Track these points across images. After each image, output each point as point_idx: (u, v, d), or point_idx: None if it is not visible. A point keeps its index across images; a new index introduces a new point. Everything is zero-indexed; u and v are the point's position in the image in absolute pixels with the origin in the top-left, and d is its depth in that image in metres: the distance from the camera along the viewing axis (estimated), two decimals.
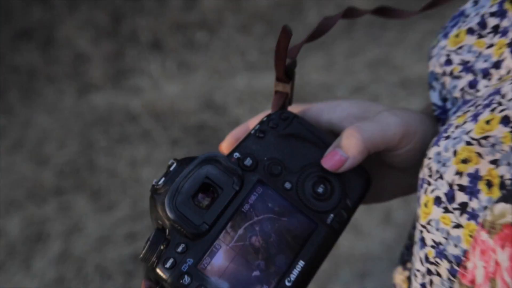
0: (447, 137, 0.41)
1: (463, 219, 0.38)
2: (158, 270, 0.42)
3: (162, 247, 0.42)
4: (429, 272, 0.41)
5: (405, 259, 0.53)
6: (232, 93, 1.93)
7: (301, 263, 0.43)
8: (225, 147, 0.50)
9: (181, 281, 0.41)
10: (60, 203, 1.68)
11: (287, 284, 0.43)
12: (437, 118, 0.49)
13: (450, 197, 0.39)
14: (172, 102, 1.91)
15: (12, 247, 1.59)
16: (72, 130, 1.85)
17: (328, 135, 0.48)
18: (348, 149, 0.45)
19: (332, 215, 0.45)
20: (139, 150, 1.71)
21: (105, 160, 1.79)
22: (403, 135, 0.46)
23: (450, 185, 0.39)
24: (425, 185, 0.42)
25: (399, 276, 0.53)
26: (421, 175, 0.43)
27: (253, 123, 0.49)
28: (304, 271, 0.43)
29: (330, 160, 0.45)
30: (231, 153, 0.46)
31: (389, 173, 0.50)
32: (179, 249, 0.42)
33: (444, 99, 0.48)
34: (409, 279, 0.51)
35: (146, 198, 1.50)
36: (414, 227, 0.49)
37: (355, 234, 1.58)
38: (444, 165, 0.40)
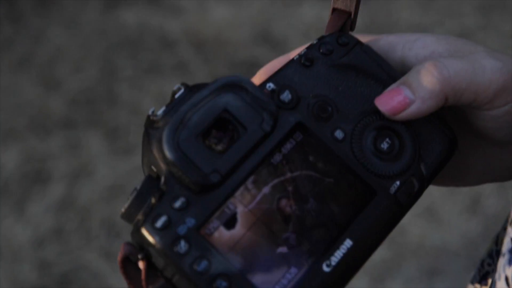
0: None
1: None
2: (144, 231, 0.40)
3: (153, 201, 0.40)
4: None
5: (485, 270, 0.51)
6: (296, 25, 1.92)
7: (347, 243, 0.42)
8: (256, 82, 0.48)
9: (174, 248, 0.40)
10: (68, 139, 1.69)
11: (325, 269, 0.41)
12: None
13: None
14: (219, 30, 1.88)
15: (5, 185, 1.62)
16: (92, 51, 1.84)
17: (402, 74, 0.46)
18: (417, 88, 0.43)
19: (398, 182, 0.43)
20: (171, 85, 1.68)
21: (128, 93, 1.78)
22: (503, 88, 0.43)
23: None
24: None
25: None
26: None
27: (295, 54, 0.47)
28: (351, 254, 0.41)
29: (388, 101, 0.44)
30: (263, 83, 0.44)
31: (477, 145, 0.48)
32: (177, 205, 0.40)
33: None
34: None
35: None
36: (504, 228, 0.48)
37: (429, 220, 1.58)
38: None
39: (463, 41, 0.46)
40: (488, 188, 1.56)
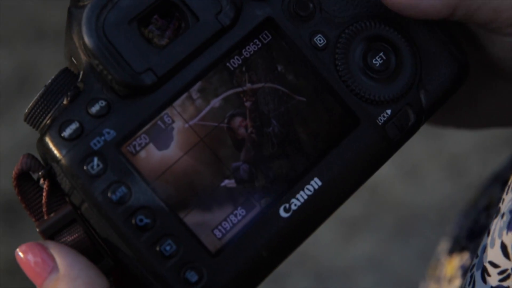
0: None
1: None
2: (47, 140, 0.32)
3: (65, 102, 0.33)
4: None
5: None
6: None
7: (315, 183, 0.34)
8: None
9: (84, 167, 0.32)
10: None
11: (283, 214, 0.33)
12: None
13: None
14: None
15: None
16: None
17: None
18: None
19: (389, 111, 0.36)
20: None
21: None
22: None
23: None
24: None
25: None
26: None
27: None
28: (318, 198, 0.34)
29: None
30: None
31: (489, 79, 0.44)
32: (94, 109, 0.32)
33: None
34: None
35: None
36: (504, 184, 0.45)
37: (407, 178, 1.51)
38: None
39: None
40: (470, 151, 1.51)
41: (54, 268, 0.32)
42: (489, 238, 0.38)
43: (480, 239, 0.43)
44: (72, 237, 0.32)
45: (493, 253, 0.37)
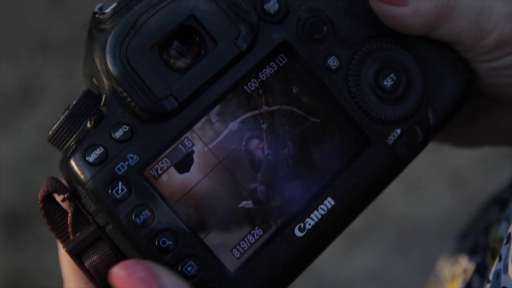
0: None
1: None
2: (72, 163, 0.33)
3: (89, 125, 0.33)
4: None
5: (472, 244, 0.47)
6: None
7: (328, 202, 0.34)
8: None
9: (109, 191, 0.32)
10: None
11: (298, 234, 0.34)
12: None
13: None
14: None
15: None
16: None
17: None
18: None
19: (399, 130, 0.37)
20: None
21: None
22: (507, 37, 0.38)
23: None
24: None
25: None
26: None
27: None
28: (331, 217, 0.35)
29: None
30: None
31: (483, 101, 0.44)
32: (118, 134, 0.33)
33: None
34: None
35: None
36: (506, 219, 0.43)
37: (409, 190, 1.50)
38: None
39: None
40: (471, 163, 1.49)
41: (162, 285, 0.31)
42: (502, 263, 0.37)
43: (481, 260, 0.43)
44: (99, 255, 0.32)
45: (507, 279, 0.36)
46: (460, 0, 0.37)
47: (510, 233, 0.37)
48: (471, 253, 0.47)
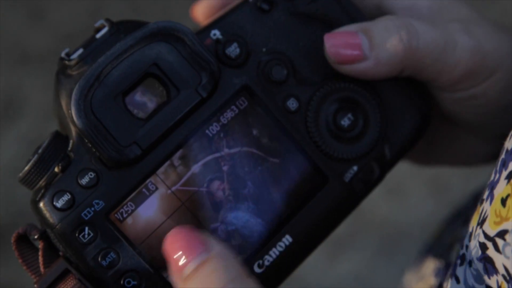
0: None
1: None
2: (42, 207, 0.34)
3: (57, 169, 0.34)
4: None
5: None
6: None
7: (286, 239, 0.36)
8: (200, 14, 0.41)
9: (76, 235, 0.34)
10: None
11: (257, 270, 0.36)
12: None
13: None
14: None
15: None
16: None
17: None
18: (377, 46, 0.37)
19: (355, 167, 0.38)
20: None
21: None
22: (471, 71, 0.39)
23: None
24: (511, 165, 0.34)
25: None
26: (509, 145, 0.35)
27: None
28: (289, 253, 0.36)
29: (340, 42, 0.37)
30: (207, 29, 0.37)
31: (442, 124, 0.44)
32: (84, 181, 0.34)
33: None
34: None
35: None
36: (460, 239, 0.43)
37: (390, 196, 1.51)
38: None
39: (449, 2, 0.41)
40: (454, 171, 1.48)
41: (207, 248, 0.32)
42: (462, 285, 0.39)
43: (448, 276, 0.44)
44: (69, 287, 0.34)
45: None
46: (422, 39, 0.38)
47: (463, 254, 0.38)
48: (437, 270, 0.47)
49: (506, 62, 0.40)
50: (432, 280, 0.47)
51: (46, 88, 1.65)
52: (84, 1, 1.74)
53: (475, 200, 0.43)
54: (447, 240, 0.47)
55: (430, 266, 0.48)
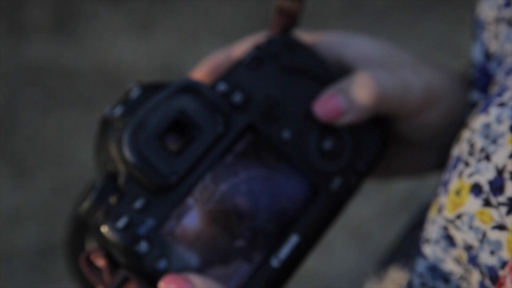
0: (502, 104, 0.40)
1: (510, 220, 0.37)
2: (105, 231, 0.41)
3: (112, 201, 0.41)
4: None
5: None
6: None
7: (294, 238, 0.43)
8: (202, 76, 0.48)
9: (136, 248, 0.41)
10: None
11: (274, 264, 0.43)
12: (471, 82, 0.48)
13: (497, 187, 0.38)
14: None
15: None
16: None
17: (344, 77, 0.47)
18: (354, 100, 0.44)
19: (339, 179, 0.45)
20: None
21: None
22: (424, 104, 0.46)
23: (500, 171, 0.38)
24: (460, 166, 0.40)
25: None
26: (456, 152, 0.42)
27: (238, 50, 0.48)
28: (298, 249, 0.44)
29: (325, 106, 0.45)
30: (215, 84, 0.45)
31: (397, 145, 0.50)
32: (137, 205, 0.41)
33: (488, 56, 0.47)
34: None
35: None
36: (418, 225, 0.49)
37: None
38: (494, 142, 0.39)
39: (394, 48, 0.48)
40: (370, 217, 1.56)
41: (192, 282, 0.40)
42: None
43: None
44: None
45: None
46: (387, 86, 0.44)
47: (425, 237, 0.42)
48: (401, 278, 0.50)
49: (447, 93, 0.46)
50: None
51: (40, 103, 1.48)
52: None
53: (425, 210, 0.48)
54: (407, 248, 0.51)
55: (394, 274, 0.51)
